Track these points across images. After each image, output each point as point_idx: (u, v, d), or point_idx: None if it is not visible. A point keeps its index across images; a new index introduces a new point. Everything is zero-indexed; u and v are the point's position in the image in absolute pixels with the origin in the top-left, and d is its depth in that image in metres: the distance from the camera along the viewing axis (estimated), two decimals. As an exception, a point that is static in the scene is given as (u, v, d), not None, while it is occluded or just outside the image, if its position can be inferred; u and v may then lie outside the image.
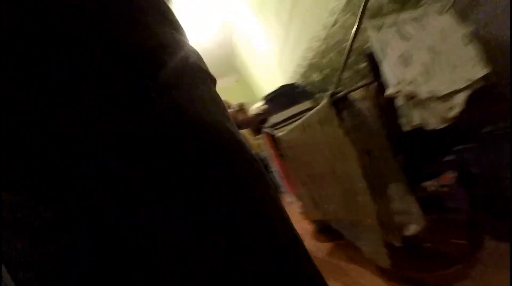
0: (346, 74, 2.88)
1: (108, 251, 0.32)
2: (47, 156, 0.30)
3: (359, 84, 1.42)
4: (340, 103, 1.36)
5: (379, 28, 1.05)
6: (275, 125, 3.23)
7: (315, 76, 3.60)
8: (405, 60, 1.02)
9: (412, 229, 1.31)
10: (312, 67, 3.57)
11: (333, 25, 2.71)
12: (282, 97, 3.66)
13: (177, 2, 4.66)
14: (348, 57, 1.20)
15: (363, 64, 2.47)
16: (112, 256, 0.32)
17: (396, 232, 1.37)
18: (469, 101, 1.14)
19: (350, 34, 2.40)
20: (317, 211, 2.08)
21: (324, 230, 2.46)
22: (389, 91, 0.98)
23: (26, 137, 0.30)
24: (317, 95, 3.69)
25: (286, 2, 3.34)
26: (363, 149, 1.33)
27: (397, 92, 0.97)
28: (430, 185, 1.30)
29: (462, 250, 1.49)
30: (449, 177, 1.31)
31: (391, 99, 1.07)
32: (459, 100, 1.13)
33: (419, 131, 1.10)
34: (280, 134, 2.39)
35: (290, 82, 4.09)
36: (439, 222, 1.70)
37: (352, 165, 1.31)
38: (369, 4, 1.21)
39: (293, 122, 3.21)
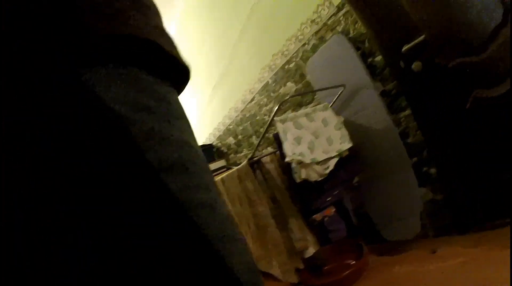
0: (256, 142, 3.53)
1: (108, 252, 0.31)
2: (46, 156, 0.29)
3: (268, 152, 2.04)
4: (254, 164, 1.94)
5: (283, 121, 1.69)
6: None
7: (230, 140, 4.19)
8: (298, 140, 1.67)
9: (310, 252, 1.89)
10: (228, 132, 4.16)
11: (250, 102, 3.38)
12: (201, 155, 4.14)
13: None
14: (264, 134, 1.80)
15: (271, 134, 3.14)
16: (112, 257, 0.31)
17: (298, 255, 1.92)
18: (337, 163, 1.82)
19: (263, 110, 3.07)
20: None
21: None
22: (287, 159, 1.59)
23: (25, 136, 0.29)
24: (231, 156, 4.27)
25: (215, 74, 3.95)
26: (271, 196, 1.90)
27: (292, 159, 1.59)
28: (317, 216, 1.89)
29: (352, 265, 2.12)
30: (330, 210, 1.93)
31: (288, 164, 1.68)
32: (330, 164, 1.79)
33: (307, 182, 1.72)
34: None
35: (208, 143, 4.63)
36: (334, 249, 2.32)
37: (263, 208, 1.87)
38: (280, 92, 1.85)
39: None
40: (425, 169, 2.02)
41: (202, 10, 3.79)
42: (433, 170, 1.99)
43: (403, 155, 1.96)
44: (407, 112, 2.01)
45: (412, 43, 1.82)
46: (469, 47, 1.71)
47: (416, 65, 1.86)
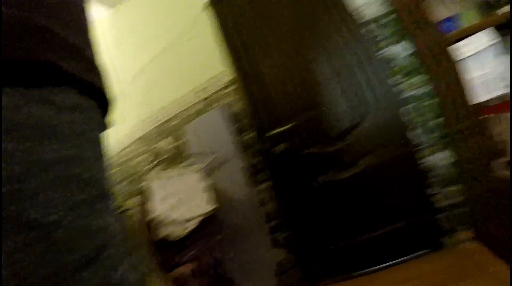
0: (125, 189, 3.48)
1: None
2: None
3: (135, 202, 2.10)
4: (120, 213, 1.97)
5: (154, 179, 1.81)
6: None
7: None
8: (164, 199, 1.79)
9: None
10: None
11: (127, 147, 3.37)
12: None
13: None
14: (134, 186, 1.87)
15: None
16: None
17: None
18: (200, 222, 1.98)
19: (137, 159, 3.08)
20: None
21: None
22: (152, 215, 1.69)
23: None
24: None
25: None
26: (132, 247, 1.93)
27: (156, 216, 1.69)
28: (176, 271, 1.96)
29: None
30: (191, 265, 2.02)
31: (153, 218, 1.78)
32: (192, 224, 1.94)
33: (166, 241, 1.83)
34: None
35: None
36: None
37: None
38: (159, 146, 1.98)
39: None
40: (278, 233, 2.34)
41: (109, 36, 3.67)
42: (286, 234, 2.31)
43: (260, 220, 2.27)
44: (267, 184, 2.34)
45: (281, 129, 2.18)
46: (327, 138, 2.12)
47: (279, 147, 2.20)
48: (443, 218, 2.05)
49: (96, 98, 0.46)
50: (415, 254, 2.07)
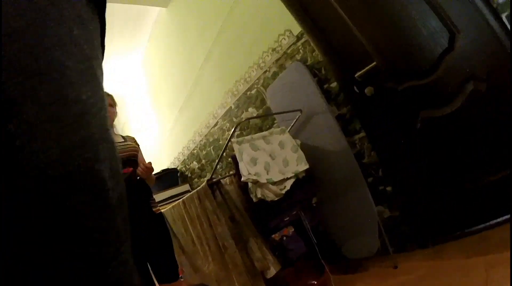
0: (218, 166, 3.55)
1: None
2: None
3: (228, 174, 2.08)
4: (214, 185, 1.96)
5: (240, 143, 1.75)
6: (158, 202, 3.65)
7: (194, 164, 4.19)
8: (253, 161, 1.72)
9: (271, 272, 1.87)
10: (192, 156, 4.16)
11: (214, 126, 3.43)
12: (165, 179, 4.13)
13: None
14: (222, 155, 1.85)
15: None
16: None
17: (259, 276, 1.91)
18: (294, 184, 1.88)
19: (225, 135, 3.12)
20: (196, 275, 2.51)
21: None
22: (243, 179, 1.64)
23: None
24: (195, 180, 4.26)
25: (181, 96, 3.99)
26: (230, 216, 1.92)
27: (247, 179, 1.64)
28: (276, 236, 1.91)
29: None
30: (288, 229, 1.95)
31: (247, 184, 1.72)
32: (288, 184, 1.85)
33: (264, 202, 1.76)
34: (164, 210, 2.80)
35: (172, 167, 4.60)
36: (296, 269, 2.31)
37: (222, 228, 1.88)
38: (242, 117, 1.93)
39: (173, 201, 3.68)
40: (381, 187, 2.11)
41: (170, 34, 3.87)
42: (388, 188, 2.09)
43: (358, 175, 2.04)
44: (361, 134, 2.12)
45: (365, 70, 1.94)
46: (418, 71, 1.84)
47: (368, 90, 1.98)
48: None
49: None
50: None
